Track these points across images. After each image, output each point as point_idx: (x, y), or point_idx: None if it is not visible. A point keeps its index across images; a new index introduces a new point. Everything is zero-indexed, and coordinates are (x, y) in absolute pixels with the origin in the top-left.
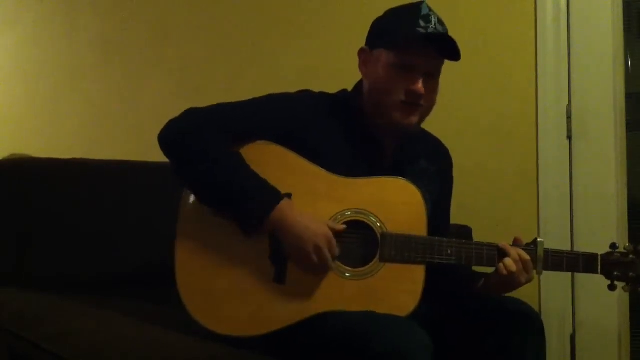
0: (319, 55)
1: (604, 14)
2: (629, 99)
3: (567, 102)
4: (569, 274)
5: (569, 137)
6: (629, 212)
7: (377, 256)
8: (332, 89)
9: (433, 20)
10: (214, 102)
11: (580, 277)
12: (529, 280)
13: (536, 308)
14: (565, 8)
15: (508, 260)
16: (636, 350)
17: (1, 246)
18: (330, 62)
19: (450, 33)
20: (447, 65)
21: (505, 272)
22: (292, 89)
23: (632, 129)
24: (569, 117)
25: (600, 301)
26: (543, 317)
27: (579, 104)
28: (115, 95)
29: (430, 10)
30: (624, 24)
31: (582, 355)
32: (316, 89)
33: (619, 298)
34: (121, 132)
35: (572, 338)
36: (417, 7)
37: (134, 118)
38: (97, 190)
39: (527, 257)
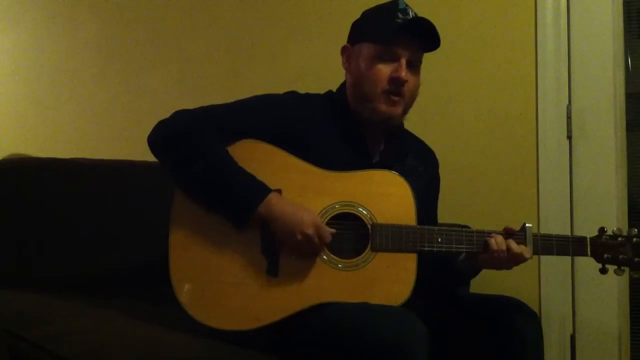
0: (318, 55)
1: (604, 14)
2: (629, 99)
3: (567, 102)
4: (569, 274)
5: (569, 137)
6: (629, 212)
7: (369, 246)
8: (332, 89)
9: (411, 13)
10: (214, 102)
11: (581, 277)
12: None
13: (536, 308)
14: (565, 8)
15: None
16: (636, 350)
17: (1, 246)
18: (329, 62)
19: (451, 33)
20: (448, 65)
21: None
22: (292, 89)
23: (632, 129)
24: (569, 117)
25: (600, 301)
26: (543, 317)
27: (579, 104)
28: (115, 95)
29: (407, 5)
30: (624, 24)
31: (582, 355)
32: (315, 89)
33: (619, 298)
34: (121, 132)
35: (572, 338)
36: (394, 3)
37: (134, 118)
38: (97, 190)
39: (516, 249)
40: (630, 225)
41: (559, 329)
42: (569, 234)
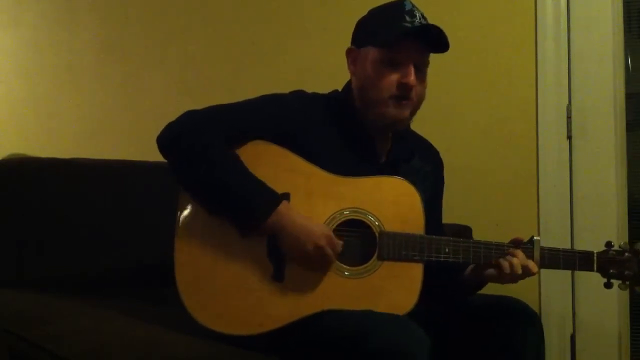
0: (318, 55)
1: (604, 14)
2: (629, 99)
3: (567, 102)
4: (570, 274)
5: (569, 137)
6: (629, 212)
7: (376, 255)
8: (332, 89)
9: (417, 14)
10: (214, 102)
11: (580, 277)
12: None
13: (536, 308)
14: (565, 8)
15: (515, 260)
16: (636, 350)
17: (1, 246)
18: (330, 62)
19: (451, 33)
20: (448, 65)
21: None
22: (292, 88)
23: (632, 129)
24: (569, 117)
25: (600, 301)
26: (543, 317)
27: (579, 104)
28: (115, 95)
29: (414, 5)
30: (624, 24)
31: (582, 355)
32: (316, 89)
33: (619, 298)
34: (121, 132)
35: (572, 338)
36: (400, 3)
37: (134, 118)
38: (97, 190)
39: (531, 266)
40: (631, 226)
41: (559, 329)
42: (569, 234)
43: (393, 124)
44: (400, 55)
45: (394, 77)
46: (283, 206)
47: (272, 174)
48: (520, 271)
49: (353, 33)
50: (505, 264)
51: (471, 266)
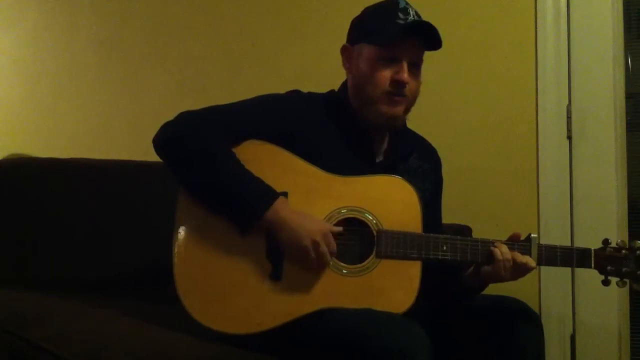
0: (318, 55)
1: (604, 14)
2: (629, 99)
3: (567, 102)
4: (569, 274)
5: (569, 137)
6: (629, 212)
7: (374, 253)
8: (332, 89)
9: (411, 12)
10: (214, 102)
11: (580, 277)
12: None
13: (536, 308)
14: (565, 8)
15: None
16: (636, 350)
17: (1, 246)
18: (329, 62)
19: (451, 33)
20: (448, 65)
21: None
22: (292, 88)
23: (632, 129)
24: (569, 117)
25: (600, 301)
26: (543, 317)
27: (579, 104)
28: (115, 95)
29: (407, 3)
30: (624, 24)
31: (582, 355)
32: (315, 89)
33: (619, 298)
34: (121, 132)
35: (572, 338)
36: (394, 1)
37: (134, 118)
38: (97, 190)
39: (521, 259)
40: (630, 226)
41: (559, 329)
42: (569, 234)
43: (388, 122)
44: (394, 52)
45: (387, 74)
46: (280, 202)
47: (269, 173)
48: (509, 256)
49: (348, 31)
50: (497, 251)
51: (470, 269)
